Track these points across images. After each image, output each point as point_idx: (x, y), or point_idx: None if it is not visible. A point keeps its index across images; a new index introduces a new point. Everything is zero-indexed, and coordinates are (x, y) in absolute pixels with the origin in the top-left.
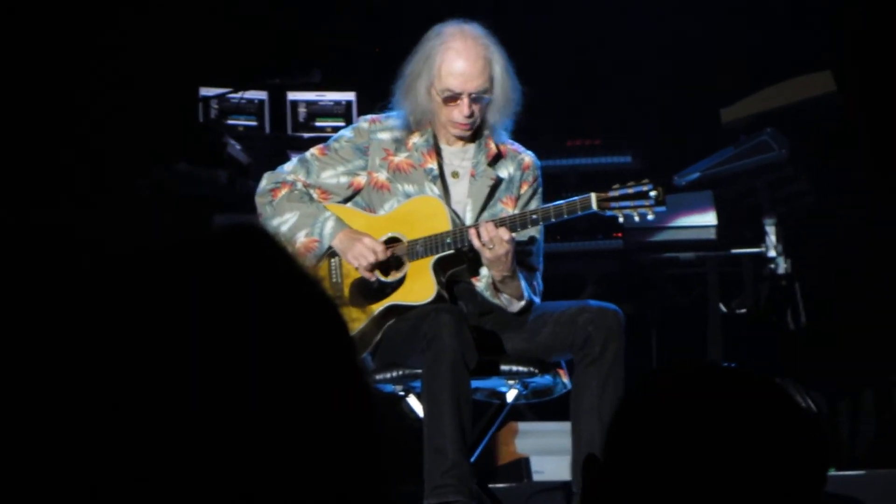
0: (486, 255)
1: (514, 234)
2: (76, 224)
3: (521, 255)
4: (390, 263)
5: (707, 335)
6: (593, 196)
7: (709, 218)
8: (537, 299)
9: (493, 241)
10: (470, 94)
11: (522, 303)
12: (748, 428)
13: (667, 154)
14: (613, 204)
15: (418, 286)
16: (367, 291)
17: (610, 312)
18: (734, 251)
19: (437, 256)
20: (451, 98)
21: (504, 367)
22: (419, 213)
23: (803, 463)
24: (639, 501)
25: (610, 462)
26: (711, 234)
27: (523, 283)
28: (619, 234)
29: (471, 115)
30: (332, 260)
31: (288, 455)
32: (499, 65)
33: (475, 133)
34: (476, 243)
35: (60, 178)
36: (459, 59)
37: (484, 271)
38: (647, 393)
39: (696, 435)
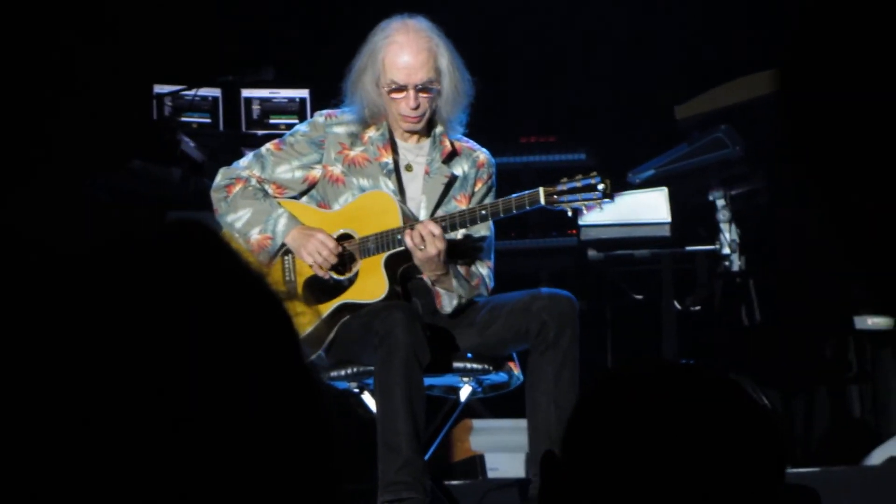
0: (417, 255)
1: (464, 230)
2: (27, 223)
3: (473, 251)
4: (343, 260)
5: (662, 332)
6: (541, 190)
7: (663, 215)
8: (484, 293)
9: (425, 240)
10: (415, 86)
11: (456, 301)
12: (706, 425)
13: (621, 151)
14: (561, 198)
15: (370, 284)
16: (320, 289)
17: (563, 298)
18: (688, 248)
19: (388, 253)
20: (397, 90)
21: (458, 365)
22: (370, 209)
23: (761, 460)
24: (598, 498)
25: (568, 458)
26: (666, 232)
27: (455, 282)
28: (574, 232)
29: (417, 107)
30: (286, 258)
31: (234, 453)
32: (444, 57)
33: (429, 127)
34: (409, 244)
35: (11, 177)
36: (403, 52)
37: None
38: (605, 389)
39: (653, 432)
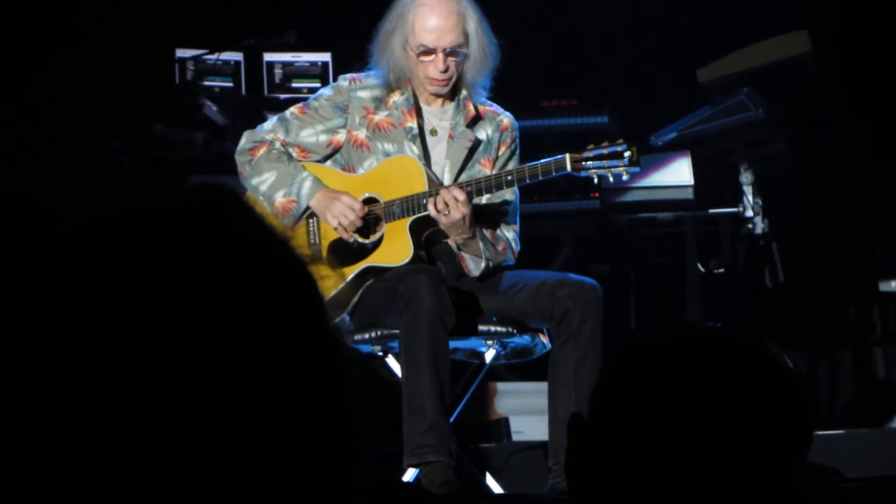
0: (441, 220)
1: (489, 196)
2: (50, 189)
3: (498, 215)
4: (368, 224)
5: (685, 295)
6: (567, 157)
7: (686, 178)
8: (511, 259)
9: (449, 205)
10: (444, 50)
11: (483, 264)
12: (734, 388)
13: (643, 114)
14: (587, 164)
15: (395, 247)
16: (345, 252)
17: (588, 287)
18: (712, 211)
19: (413, 217)
20: (426, 53)
21: (482, 328)
22: (396, 174)
23: (790, 423)
24: (625, 462)
25: (596, 422)
26: (689, 194)
27: (481, 245)
28: (597, 195)
29: (446, 71)
30: (311, 221)
31: (259, 417)
32: (472, 20)
33: (453, 92)
34: (432, 212)
35: (35, 143)
36: (432, 14)
37: None
38: (632, 352)
39: (681, 395)
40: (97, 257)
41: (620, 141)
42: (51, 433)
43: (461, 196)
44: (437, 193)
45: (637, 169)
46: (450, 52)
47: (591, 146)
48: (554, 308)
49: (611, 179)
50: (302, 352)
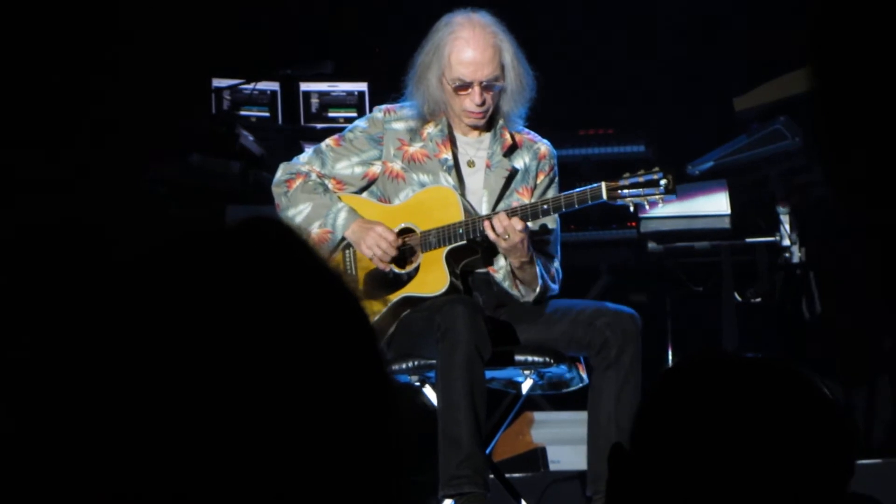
0: (501, 245)
1: (531, 224)
2: (88, 219)
3: (539, 244)
4: (404, 254)
5: (722, 324)
6: (603, 185)
7: (722, 206)
8: (556, 287)
9: (508, 232)
10: (481, 83)
11: (538, 290)
12: (777, 419)
13: (680, 143)
14: (624, 192)
15: (431, 277)
16: (381, 282)
17: (626, 316)
18: (748, 240)
19: (449, 247)
20: (463, 87)
21: (519, 358)
22: (432, 204)
23: (832, 453)
24: (666, 492)
25: (637, 451)
26: (725, 223)
27: (540, 270)
28: (634, 224)
29: (483, 104)
30: (347, 251)
31: (311, 448)
32: (509, 52)
33: (490, 122)
34: (491, 235)
35: (72, 171)
36: (469, 47)
37: (501, 261)
38: (674, 382)
39: (724, 425)
40: (153, 289)
41: (657, 169)
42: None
43: (519, 225)
44: (493, 217)
45: (673, 196)
46: (486, 86)
47: (627, 174)
48: (593, 337)
49: (647, 207)
50: (355, 383)
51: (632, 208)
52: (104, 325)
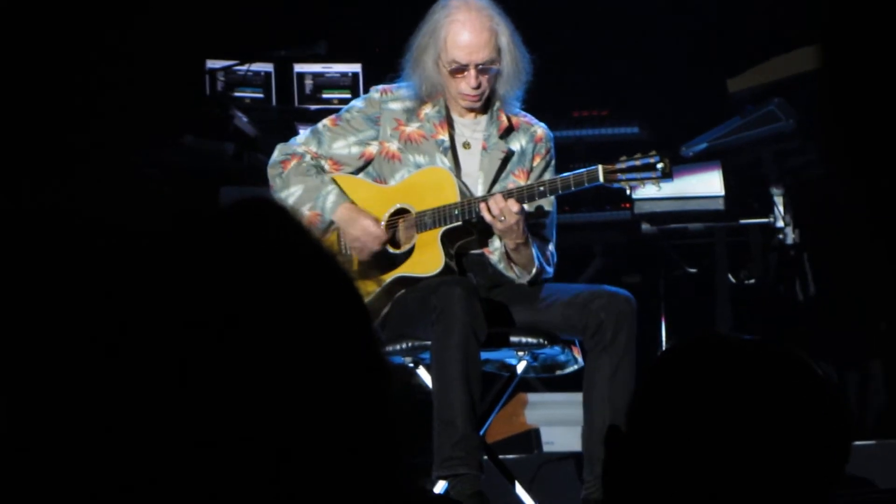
0: (497, 226)
1: (527, 206)
2: (84, 201)
3: (535, 227)
4: (398, 234)
5: (715, 306)
6: (600, 168)
7: (716, 188)
8: (550, 269)
9: (504, 213)
10: (476, 66)
11: (534, 272)
12: (774, 400)
13: (674, 124)
14: (620, 176)
15: (426, 258)
16: (375, 262)
17: (622, 298)
18: (742, 221)
19: (444, 228)
20: (458, 70)
21: (513, 339)
22: (428, 185)
23: (829, 435)
24: (663, 474)
25: (634, 432)
26: (719, 205)
27: (535, 252)
28: (627, 205)
29: (478, 87)
30: (339, 231)
31: (308, 428)
32: (504, 35)
33: (486, 104)
34: (487, 217)
35: (67, 155)
36: (464, 30)
37: (496, 243)
38: (671, 364)
39: (720, 408)
40: (150, 270)
41: (653, 153)
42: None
43: (515, 207)
44: (489, 198)
45: (670, 180)
46: (482, 69)
47: (624, 158)
48: (588, 320)
49: (643, 190)
50: (349, 362)
51: (628, 191)
52: (102, 311)
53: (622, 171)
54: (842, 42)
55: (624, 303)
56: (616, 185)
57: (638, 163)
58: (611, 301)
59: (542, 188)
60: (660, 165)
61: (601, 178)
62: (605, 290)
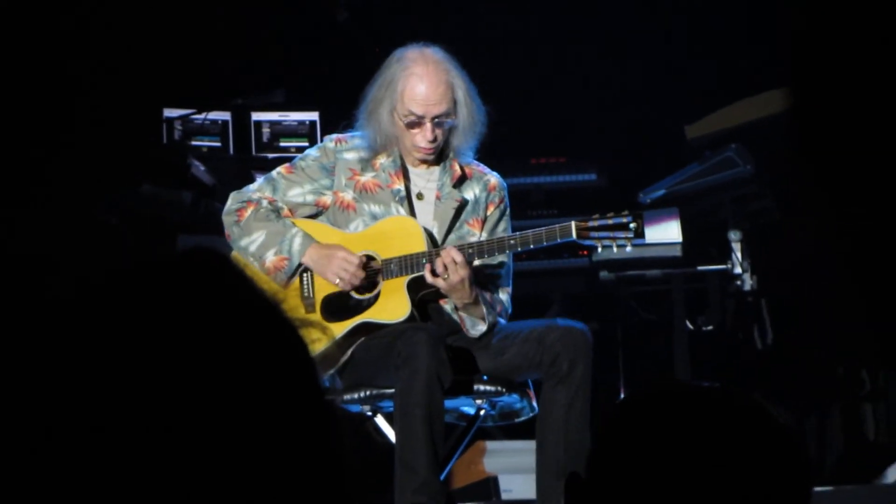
0: (440, 285)
1: (487, 259)
2: (37, 248)
3: (491, 277)
4: (363, 281)
5: (673, 352)
6: (573, 224)
7: (674, 235)
8: (503, 321)
9: (448, 269)
10: (433, 119)
11: (484, 327)
12: (734, 448)
13: (632, 171)
14: (593, 234)
15: (392, 304)
16: (338, 307)
17: (577, 332)
18: (700, 268)
19: (411, 276)
20: (415, 123)
21: (473, 387)
22: (394, 233)
23: (790, 482)
24: None
25: (594, 480)
26: (677, 252)
27: (484, 309)
28: (585, 252)
29: (434, 140)
30: (305, 275)
31: (248, 480)
32: (461, 89)
33: (440, 155)
34: (429, 278)
35: (22, 200)
36: (421, 83)
37: None
38: (631, 411)
39: (681, 455)
40: (86, 322)
41: (626, 212)
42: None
43: (458, 257)
44: (436, 256)
45: (643, 240)
46: (437, 122)
47: (597, 216)
48: (543, 354)
49: (615, 250)
50: (291, 412)
51: (600, 249)
52: (35, 359)
53: (595, 228)
54: (810, 84)
55: (579, 336)
56: (588, 241)
57: (610, 221)
58: (566, 334)
59: (512, 241)
60: (632, 225)
61: (574, 235)
62: (560, 325)
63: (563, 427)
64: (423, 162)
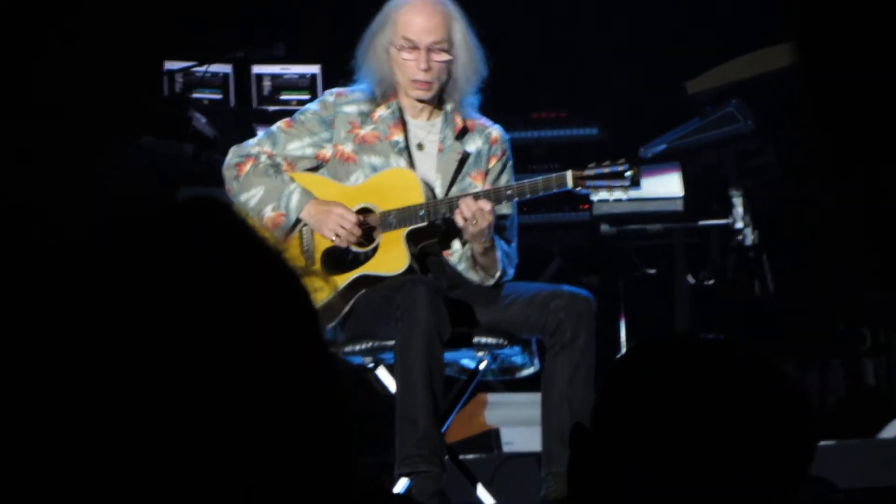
0: (469, 229)
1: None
2: (38, 202)
3: (497, 228)
4: (363, 233)
5: (674, 307)
6: (569, 174)
7: (675, 189)
8: (511, 271)
9: (476, 216)
10: (427, 46)
11: (497, 275)
12: (738, 400)
13: (633, 125)
14: (589, 182)
15: (390, 257)
16: (338, 260)
17: (582, 299)
18: (701, 223)
19: (409, 228)
20: (410, 48)
21: (474, 339)
22: (392, 185)
23: (794, 435)
24: (628, 473)
25: (598, 432)
26: (678, 206)
27: (500, 255)
28: (586, 206)
29: (429, 69)
30: (304, 229)
31: (250, 431)
32: (459, 31)
33: (440, 105)
34: (459, 221)
35: (23, 154)
36: (417, 13)
37: (456, 245)
38: (633, 365)
39: (684, 408)
40: (87, 269)
41: (622, 161)
42: (45, 435)
43: (487, 206)
44: (459, 204)
45: (638, 188)
46: (433, 50)
47: (593, 164)
48: (547, 319)
49: (610, 199)
50: (294, 362)
51: (594, 197)
52: (30, 316)
53: (591, 177)
54: (816, 39)
55: (583, 303)
56: (584, 191)
57: (606, 170)
58: (571, 301)
59: (509, 192)
60: (628, 173)
61: (570, 184)
62: (565, 291)
63: (567, 393)
64: (424, 110)
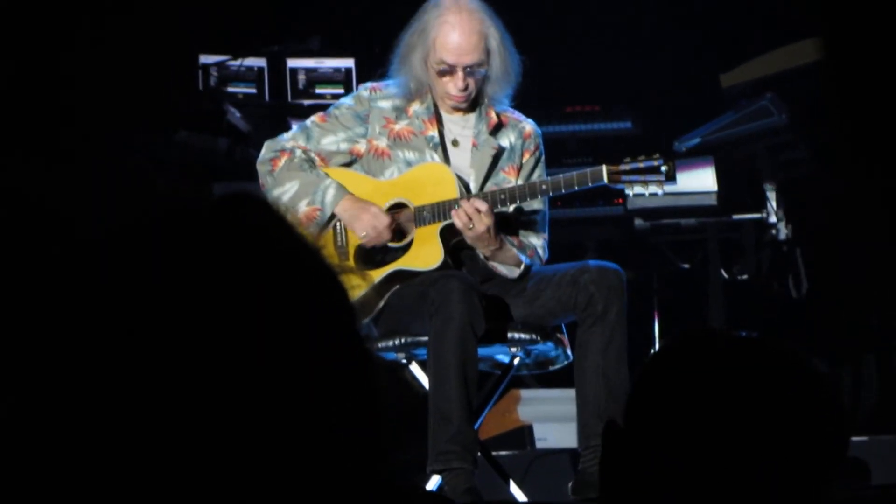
0: (467, 234)
1: (521, 204)
2: (75, 196)
3: (527, 224)
4: (398, 228)
5: (708, 301)
6: (604, 168)
7: (709, 183)
8: (537, 263)
9: (473, 219)
10: (465, 68)
11: (521, 268)
12: (769, 397)
13: (667, 119)
14: (624, 177)
15: (425, 252)
16: (372, 256)
17: (611, 271)
18: (735, 217)
19: (444, 223)
20: (447, 72)
21: (507, 335)
22: (427, 180)
23: (827, 431)
24: (661, 469)
25: (631, 427)
26: (712, 200)
27: (515, 250)
28: (620, 201)
29: (465, 89)
30: (338, 225)
31: (287, 420)
32: (494, 38)
33: (475, 102)
34: (458, 225)
35: (59, 149)
36: (454, 32)
37: None
38: (667, 360)
39: (716, 404)
40: (124, 266)
41: (657, 156)
42: (72, 432)
43: (483, 207)
44: (459, 207)
45: (673, 183)
46: (469, 71)
47: (628, 159)
48: (578, 295)
49: (646, 194)
50: (332, 358)
51: (629, 192)
52: (68, 309)
53: (626, 172)
54: (843, 34)
55: (613, 276)
56: (619, 185)
57: (642, 165)
58: (600, 275)
59: (544, 187)
60: (664, 168)
61: (605, 179)
62: (593, 265)
63: (601, 366)
64: (457, 109)
